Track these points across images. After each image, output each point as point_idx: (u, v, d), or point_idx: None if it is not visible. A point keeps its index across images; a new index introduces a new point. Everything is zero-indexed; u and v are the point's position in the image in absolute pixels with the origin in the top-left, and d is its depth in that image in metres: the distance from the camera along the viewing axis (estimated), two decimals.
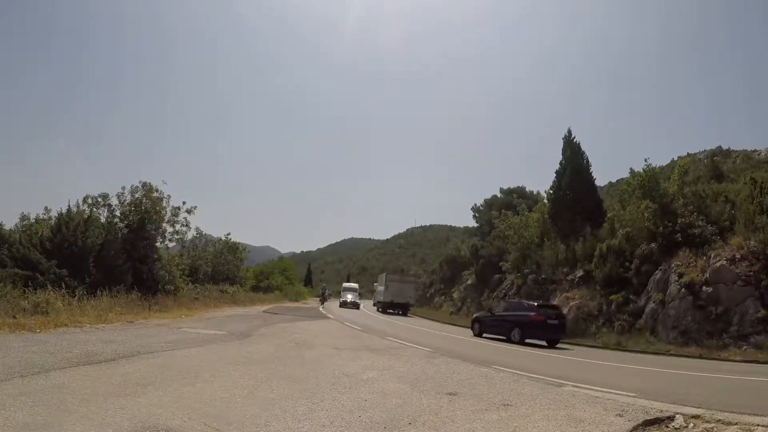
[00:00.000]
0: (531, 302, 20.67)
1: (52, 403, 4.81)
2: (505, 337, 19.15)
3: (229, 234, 43.30)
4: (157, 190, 25.00)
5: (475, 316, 23.84)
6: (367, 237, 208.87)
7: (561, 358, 14.51)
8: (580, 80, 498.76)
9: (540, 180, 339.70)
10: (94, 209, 23.71)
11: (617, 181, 54.61)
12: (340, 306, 41.14)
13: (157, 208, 24.92)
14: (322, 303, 44.43)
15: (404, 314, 37.22)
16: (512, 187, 57.77)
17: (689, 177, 26.51)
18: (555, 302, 24.01)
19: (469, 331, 22.00)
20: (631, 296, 21.01)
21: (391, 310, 37.65)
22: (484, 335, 20.64)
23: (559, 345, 18.49)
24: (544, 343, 18.25)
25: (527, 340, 18.16)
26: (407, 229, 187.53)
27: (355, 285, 52.85)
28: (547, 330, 18.41)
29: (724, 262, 17.73)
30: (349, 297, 43.50)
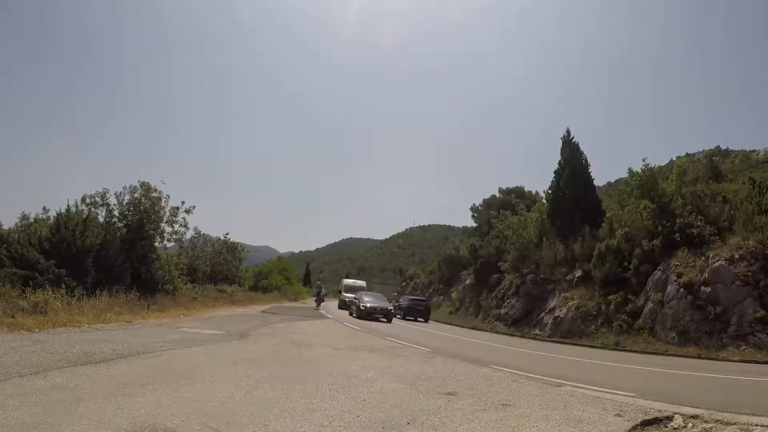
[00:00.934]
0: (409, 296, 39.85)
1: (50, 402, 4.80)
2: (401, 316, 30.85)
3: (227, 234, 43.25)
4: (156, 190, 24.97)
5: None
6: (366, 237, 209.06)
7: (560, 358, 14.53)
8: (579, 80, 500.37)
9: (539, 180, 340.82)
10: (93, 209, 23.66)
11: (616, 181, 54.57)
12: (355, 315, 27.02)
13: (156, 207, 24.88)
14: (318, 304, 35.96)
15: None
16: (511, 187, 57.89)
17: (688, 177, 26.54)
18: (553, 303, 24.68)
19: (467, 330, 25.13)
20: (629, 296, 21.00)
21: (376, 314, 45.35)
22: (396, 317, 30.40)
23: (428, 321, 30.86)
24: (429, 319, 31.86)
25: (410, 318, 31.27)
26: (406, 229, 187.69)
27: (362, 282, 44.16)
28: (417, 312, 31.95)
29: (723, 262, 17.74)
30: (369, 301, 27.32)
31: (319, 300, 37.39)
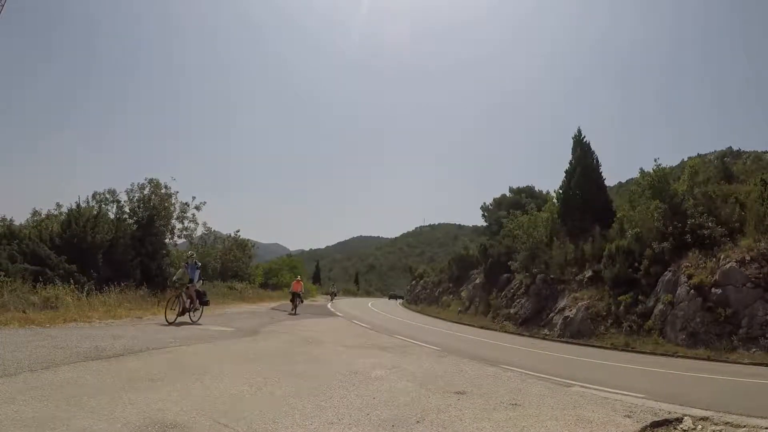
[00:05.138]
0: (392, 292, 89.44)
1: (60, 397, 4.85)
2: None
3: (238, 231, 43.54)
4: (166, 187, 25.13)
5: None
6: (376, 235, 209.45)
7: (569, 358, 14.46)
8: (590, 80, 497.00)
9: (549, 179, 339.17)
10: (103, 205, 23.85)
11: (627, 181, 54.27)
12: None
13: (166, 204, 25.03)
14: (185, 309, 14.63)
15: (396, 299, 72.00)
16: (521, 186, 57.80)
17: (699, 178, 26.21)
18: (563, 303, 24.57)
19: (477, 330, 25.33)
20: (639, 297, 20.83)
21: (391, 299, 74.37)
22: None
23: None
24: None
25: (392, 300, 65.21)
26: (415, 228, 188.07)
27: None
28: (395, 298, 74.12)
29: (734, 264, 17.57)
30: None
31: (190, 304, 14.88)
